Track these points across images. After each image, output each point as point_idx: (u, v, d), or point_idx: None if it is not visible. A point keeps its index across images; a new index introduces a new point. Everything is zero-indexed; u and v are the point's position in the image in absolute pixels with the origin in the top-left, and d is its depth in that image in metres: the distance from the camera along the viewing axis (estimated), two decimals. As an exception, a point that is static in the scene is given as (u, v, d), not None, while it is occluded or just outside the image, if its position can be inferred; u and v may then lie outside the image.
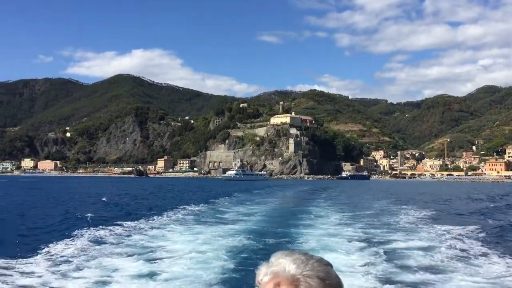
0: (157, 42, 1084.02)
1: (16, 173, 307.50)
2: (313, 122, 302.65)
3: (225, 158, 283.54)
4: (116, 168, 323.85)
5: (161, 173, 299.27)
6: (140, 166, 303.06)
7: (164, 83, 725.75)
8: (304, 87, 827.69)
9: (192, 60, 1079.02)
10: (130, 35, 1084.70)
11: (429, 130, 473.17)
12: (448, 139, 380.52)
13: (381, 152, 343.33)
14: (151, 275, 13.45)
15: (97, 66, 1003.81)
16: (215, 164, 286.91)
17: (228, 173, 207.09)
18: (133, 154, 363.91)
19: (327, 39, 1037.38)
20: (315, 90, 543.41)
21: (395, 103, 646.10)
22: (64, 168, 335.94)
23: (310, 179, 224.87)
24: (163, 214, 32.54)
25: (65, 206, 41.76)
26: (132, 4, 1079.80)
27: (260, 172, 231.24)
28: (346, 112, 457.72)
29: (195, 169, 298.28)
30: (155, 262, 15.35)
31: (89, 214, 30.68)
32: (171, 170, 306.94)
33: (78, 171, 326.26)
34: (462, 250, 18.08)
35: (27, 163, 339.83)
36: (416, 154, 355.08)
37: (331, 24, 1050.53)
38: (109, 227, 24.32)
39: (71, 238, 20.72)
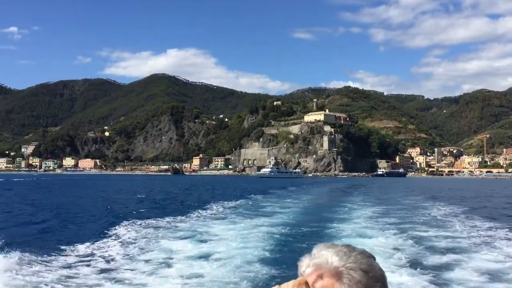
0: (191, 42, 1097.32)
1: (58, 171, 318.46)
2: (347, 119, 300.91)
3: (259, 156, 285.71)
4: (153, 166, 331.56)
5: (197, 171, 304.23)
6: (176, 164, 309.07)
7: (199, 82, 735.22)
8: (338, 84, 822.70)
9: (226, 59, 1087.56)
10: (165, 35, 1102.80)
11: (467, 126, 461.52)
12: (488, 135, 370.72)
13: (418, 149, 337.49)
14: (204, 256, 15.74)
15: (133, 66, 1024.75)
16: (250, 162, 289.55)
17: (263, 170, 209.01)
18: (169, 152, 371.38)
19: (362, 35, 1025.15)
20: (349, 86, 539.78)
21: (432, 98, 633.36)
22: (103, 166, 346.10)
23: (345, 176, 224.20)
24: (205, 208, 34.93)
25: (118, 201, 44.78)
26: (167, 4, 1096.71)
27: (294, 170, 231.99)
28: (381, 109, 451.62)
29: (229, 167, 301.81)
30: (204, 244, 17.97)
31: (141, 208, 33.27)
32: (206, 168, 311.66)
33: (117, 169, 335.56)
34: (488, 237, 19.16)
35: (68, 161, 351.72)
36: (454, 151, 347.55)
37: (365, 19, 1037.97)
38: (158, 218, 26.70)
39: (128, 227, 23.36)
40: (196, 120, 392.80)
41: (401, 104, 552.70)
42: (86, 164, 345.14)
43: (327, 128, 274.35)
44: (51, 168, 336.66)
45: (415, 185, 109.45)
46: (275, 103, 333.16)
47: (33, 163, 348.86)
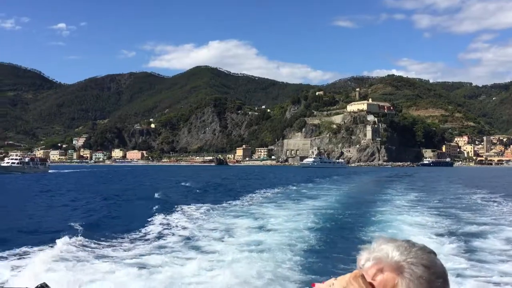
0: (232, 33, 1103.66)
1: (107, 162, 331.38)
2: (391, 108, 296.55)
3: (302, 146, 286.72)
4: (197, 157, 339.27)
5: (240, 161, 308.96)
6: (220, 155, 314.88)
7: (240, 73, 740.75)
8: (382, 72, 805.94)
9: (267, 49, 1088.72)
10: (207, 27, 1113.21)
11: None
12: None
13: (465, 138, 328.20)
14: (260, 227, 18.87)
15: (176, 59, 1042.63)
16: (292, 152, 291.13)
17: (306, 160, 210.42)
18: (213, 143, 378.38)
19: (405, 21, 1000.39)
20: (393, 75, 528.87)
21: (480, 85, 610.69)
22: (149, 157, 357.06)
23: (389, 166, 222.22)
24: (256, 193, 37.97)
25: (174, 187, 48.35)
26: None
27: (337, 160, 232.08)
28: (426, 97, 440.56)
29: (272, 157, 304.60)
30: (259, 221, 21.08)
31: (197, 190, 36.36)
32: (249, 158, 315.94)
33: (163, 160, 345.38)
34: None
35: (117, 153, 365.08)
36: (504, 140, 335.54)
37: (409, 5, 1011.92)
38: (214, 202, 29.59)
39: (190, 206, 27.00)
40: (239, 111, 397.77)
41: (448, 92, 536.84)
42: (134, 155, 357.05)
43: (371, 118, 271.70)
44: (100, 159, 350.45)
45: (462, 174, 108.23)
46: (317, 93, 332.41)
47: (84, 155, 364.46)
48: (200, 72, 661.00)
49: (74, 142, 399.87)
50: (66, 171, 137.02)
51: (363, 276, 1.58)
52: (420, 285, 1.53)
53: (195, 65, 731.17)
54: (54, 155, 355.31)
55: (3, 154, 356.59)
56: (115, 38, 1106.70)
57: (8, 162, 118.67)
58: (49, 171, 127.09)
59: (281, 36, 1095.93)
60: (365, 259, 1.64)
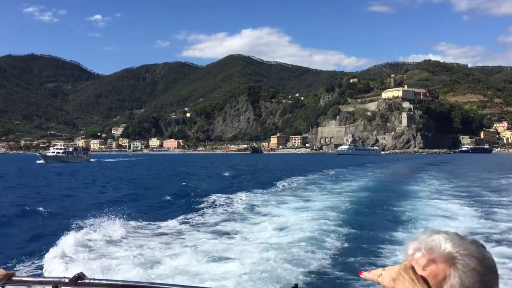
0: (265, 21, 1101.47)
1: (145, 151, 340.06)
2: (427, 94, 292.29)
3: (336, 134, 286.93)
4: (232, 146, 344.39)
5: (274, 149, 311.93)
6: (254, 143, 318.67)
7: (273, 61, 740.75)
8: (418, 57, 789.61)
9: (300, 37, 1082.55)
10: (239, 16, 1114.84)
11: None
12: None
13: (505, 124, 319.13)
14: (304, 208, 22.23)
15: (209, 48, 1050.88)
16: (327, 140, 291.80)
17: (341, 148, 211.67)
18: (247, 132, 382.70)
19: (443, 4, 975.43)
20: (429, 60, 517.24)
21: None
22: (186, 146, 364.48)
23: (425, 153, 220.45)
24: (303, 175, 43.11)
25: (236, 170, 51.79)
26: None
27: (372, 147, 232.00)
28: (464, 82, 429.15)
29: (307, 145, 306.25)
30: (307, 201, 25.04)
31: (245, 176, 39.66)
32: (283, 146, 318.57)
33: (199, 149, 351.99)
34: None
35: (154, 142, 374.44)
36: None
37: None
38: (265, 187, 33.15)
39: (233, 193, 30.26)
40: (273, 100, 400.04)
41: (487, 77, 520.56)
42: (170, 144, 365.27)
43: (406, 105, 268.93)
44: (138, 148, 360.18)
45: (501, 160, 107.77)
46: (351, 81, 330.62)
47: (123, 144, 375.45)
48: (233, 61, 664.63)
49: (113, 132, 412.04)
50: (108, 160, 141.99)
51: (413, 268, 1.56)
52: (472, 277, 1.52)
53: (228, 53, 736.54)
54: (94, 144, 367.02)
55: (46, 144, 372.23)
56: (149, 28, 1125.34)
57: (53, 152, 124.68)
58: (91, 160, 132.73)
59: (314, 23, 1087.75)
60: (415, 249, 1.62)
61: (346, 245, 14.29)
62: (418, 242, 1.64)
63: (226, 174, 55.13)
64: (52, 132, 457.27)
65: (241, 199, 26.13)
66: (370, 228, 17.32)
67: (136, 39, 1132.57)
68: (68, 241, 13.89)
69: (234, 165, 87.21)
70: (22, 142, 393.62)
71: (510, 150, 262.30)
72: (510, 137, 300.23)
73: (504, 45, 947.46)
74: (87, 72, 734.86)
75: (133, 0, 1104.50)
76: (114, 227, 16.41)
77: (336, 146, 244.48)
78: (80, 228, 16.09)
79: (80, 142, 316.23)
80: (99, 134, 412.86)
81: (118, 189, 37.85)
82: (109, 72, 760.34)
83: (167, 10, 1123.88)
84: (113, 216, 17.68)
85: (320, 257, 12.55)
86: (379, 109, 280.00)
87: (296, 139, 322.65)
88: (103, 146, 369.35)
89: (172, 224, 18.34)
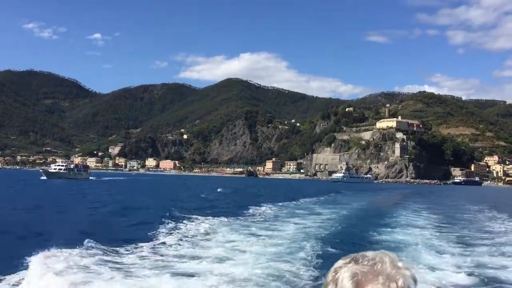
0: (263, 45, 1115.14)
1: (141, 171, 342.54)
2: (420, 126, 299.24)
3: (331, 161, 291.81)
4: (228, 169, 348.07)
5: (270, 174, 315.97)
6: (250, 167, 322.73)
7: (270, 86, 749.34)
8: (413, 88, 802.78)
9: (297, 62, 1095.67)
10: (238, 39, 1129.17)
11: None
12: None
13: (495, 158, 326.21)
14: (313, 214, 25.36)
15: (207, 70, 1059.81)
16: (321, 166, 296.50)
17: (335, 175, 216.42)
18: (243, 155, 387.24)
19: (439, 37, 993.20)
20: (424, 91, 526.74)
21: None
22: (182, 167, 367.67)
23: (415, 183, 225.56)
24: (304, 199, 46.40)
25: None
26: (239, 9, 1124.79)
27: (365, 175, 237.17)
28: (457, 115, 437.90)
29: (301, 171, 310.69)
30: (309, 214, 27.82)
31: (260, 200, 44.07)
32: (278, 171, 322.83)
33: (194, 171, 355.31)
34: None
35: (150, 162, 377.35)
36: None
37: (443, 21, 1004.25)
38: (256, 207, 37.20)
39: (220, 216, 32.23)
40: (269, 125, 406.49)
41: (481, 110, 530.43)
42: (167, 165, 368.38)
43: (399, 135, 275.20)
44: (135, 168, 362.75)
45: (486, 193, 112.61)
46: (347, 109, 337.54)
47: (119, 163, 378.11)
48: (230, 84, 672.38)
49: (110, 150, 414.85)
50: (107, 178, 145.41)
51: None
52: None
53: (226, 76, 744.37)
54: (91, 162, 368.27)
55: (43, 160, 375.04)
56: (147, 49, 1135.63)
57: (55, 169, 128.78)
58: (91, 178, 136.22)
59: (311, 50, 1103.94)
60: None
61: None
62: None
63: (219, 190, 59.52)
64: (48, 148, 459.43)
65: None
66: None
67: (135, 59, 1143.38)
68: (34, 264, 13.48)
69: (233, 187, 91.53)
70: (18, 157, 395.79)
71: (499, 184, 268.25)
72: (500, 171, 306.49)
73: (499, 80, 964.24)
74: (85, 90, 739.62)
75: (133, 20, 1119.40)
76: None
77: (330, 173, 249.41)
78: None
79: (77, 160, 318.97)
80: (95, 152, 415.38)
81: (98, 208, 37.84)
82: (107, 90, 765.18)
83: (166, 31, 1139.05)
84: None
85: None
86: (373, 138, 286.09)
87: (291, 164, 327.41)
88: (100, 165, 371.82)
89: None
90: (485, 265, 16.04)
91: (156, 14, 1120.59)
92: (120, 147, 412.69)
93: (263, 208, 37.32)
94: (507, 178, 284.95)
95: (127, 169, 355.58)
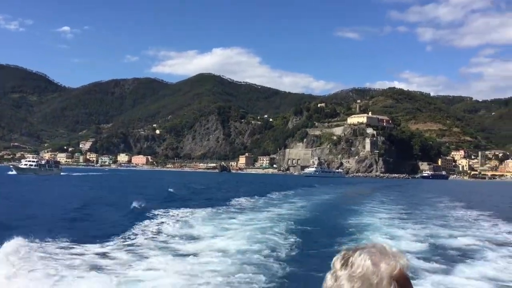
0: (236, 41, 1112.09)
1: (113, 166, 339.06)
2: (390, 122, 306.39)
3: (303, 156, 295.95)
4: (201, 164, 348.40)
5: (243, 169, 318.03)
6: (223, 162, 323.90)
7: (243, 82, 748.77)
8: (383, 84, 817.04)
9: (269, 58, 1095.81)
10: (211, 34, 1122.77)
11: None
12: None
13: (461, 152, 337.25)
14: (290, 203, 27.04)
15: (179, 65, 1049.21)
16: (294, 161, 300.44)
17: (308, 170, 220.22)
18: (216, 150, 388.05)
19: (409, 34, 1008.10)
20: (394, 88, 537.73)
21: (480, 100, 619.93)
22: (154, 162, 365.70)
23: (385, 177, 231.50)
24: (287, 191, 49.20)
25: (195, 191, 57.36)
26: (211, 3, 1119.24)
27: (337, 170, 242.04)
28: (426, 111, 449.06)
29: (274, 166, 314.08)
30: (289, 203, 29.50)
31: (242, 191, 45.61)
32: (251, 166, 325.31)
33: (167, 166, 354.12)
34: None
35: (122, 157, 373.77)
36: (500, 155, 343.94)
37: (413, 18, 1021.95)
38: (230, 200, 38.82)
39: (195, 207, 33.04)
40: (242, 120, 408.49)
41: (448, 106, 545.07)
42: (139, 160, 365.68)
43: (370, 131, 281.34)
44: (106, 163, 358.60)
45: (450, 186, 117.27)
46: (319, 105, 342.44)
47: (91, 158, 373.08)
48: (203, 79, 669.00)
49: (80, 146, 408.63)
50: (79, 174, 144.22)
51: None
52: None
53: (198, 71, 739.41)
54: (61, 157, 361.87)
55: (11, 156, 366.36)
56: (118, 43, 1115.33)
57: (26, 164, 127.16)
58: (62, 173, 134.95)
59: (284, 46, 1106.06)
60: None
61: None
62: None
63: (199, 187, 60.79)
64: (16, 143, 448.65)
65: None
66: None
67: (105, 53, 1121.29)
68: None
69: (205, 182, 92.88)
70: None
71: (465, 177, 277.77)
72: (466, 165, 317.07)
73: (465, 76, 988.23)
74: (54, 84, 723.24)
75: (103, 13, 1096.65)
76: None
77: (303, 168, 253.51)
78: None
79: (47, 155, 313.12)
80: (65, 147, 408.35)
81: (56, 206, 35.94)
82: (76, 85, 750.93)
83: (138, 25, 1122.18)
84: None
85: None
86: (344, 133, 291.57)
87: (264, 159, 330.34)
88: (70, 160, 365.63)
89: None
90: (437, 236, 20.80)
91: (127, 8, 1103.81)
92: (91, 143, 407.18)
93: (240, 200, 38.88)
94: (472, 172, 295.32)
95: (98, 164, 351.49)
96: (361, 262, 1.71)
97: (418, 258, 15.35)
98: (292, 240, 18.84)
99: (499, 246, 18.49)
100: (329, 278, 1.79)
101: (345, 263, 1.77)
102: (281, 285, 12.23)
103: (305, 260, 15.34)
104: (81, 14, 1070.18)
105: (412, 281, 1.55)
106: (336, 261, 1.81)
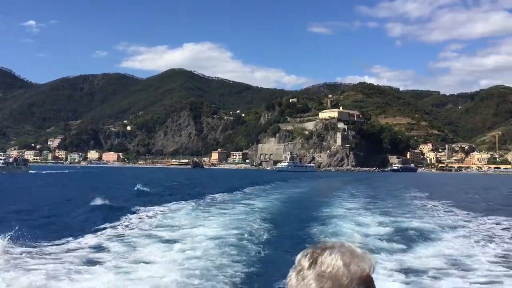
0: (207, 35, 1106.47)
1: (83, 163, 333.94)
2: (360, 116, 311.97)
3: (276, 151, 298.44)
4: (173, 160, 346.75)
5: (215, 164, 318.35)
6: (195, 158, 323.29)
7: (215, 77, 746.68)
8: (354, 79, 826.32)
9: (241, 53, 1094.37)
10: (181, 29, 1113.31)
11: (482, 123, 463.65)
12: (500, 132, 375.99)
13: (429, 145, 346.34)
14: (268, 195, 28.14)
15: (150, 60, 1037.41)
16: (266, 156, 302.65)
17: (280, 165, 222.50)
18: (189, 146, 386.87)
19: (378, 29, 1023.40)
20: (364, 83, 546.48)
21: (448, 94, 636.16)
22: (125, 159, 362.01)
23: (356, 171, 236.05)
24: (260, 185, 49.78)
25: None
26: None
27: (309, 164, 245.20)
28: (395, 105, 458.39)
29: (247, 161, 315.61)
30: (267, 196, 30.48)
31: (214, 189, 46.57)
32: (224, 162, 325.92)
33: (139, 163, 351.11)
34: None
35: (92, 154, 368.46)
36: (466, 147, 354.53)
37: (382, 13, 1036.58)
38: (209, 195, 39.40)
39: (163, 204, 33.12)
40: (214, 116, 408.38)
41: (416, 100, 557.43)
42: (110, 157, 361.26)
43: (341, 125, 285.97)
44: (76, 160, 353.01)
45: (417, 179, 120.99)
46: (290, 100, 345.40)
47: (59, 156, 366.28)
48: (174, 75, 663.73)
49: (49, 143, 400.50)
50: (48, 171, 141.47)
51: None
52: None
53: (169, 66, 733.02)
54: (29, 155, 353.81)
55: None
56: (86, 38, 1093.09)
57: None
58: (30, 171, 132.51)
59: (256, 40, 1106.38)
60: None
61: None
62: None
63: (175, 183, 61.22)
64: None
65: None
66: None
67: (73, 48, 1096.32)
68: None
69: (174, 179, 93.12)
70: None
71: (432, 170, 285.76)
72: (433, 158, 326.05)
73: (433, 71, 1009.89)
74: (20, 80, 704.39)
75: (70, 7, 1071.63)
76: None
77: (275, 162, 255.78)
78: None
79: (14, 153, 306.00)
80: (33, 145, 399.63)
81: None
82: (43, 80, 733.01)
83: (106, 19, 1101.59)
84: None
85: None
86: (316, 128, 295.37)
87: (237, 155, 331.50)
88: (38, 158, 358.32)
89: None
90: (399, 222, 22.90)
91: (95, 2, 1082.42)
92: (60, 140, 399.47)
93: (215, 196, 39.69)
94: (440, 165, 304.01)
95: (67, 162, 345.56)
96: (332, 261, 1.66)
97: (381, 240, 17.21)
98: (267, 226, 20.34)
99: (453, 229, 20.69)
100: (293, 277, 1.70)
101: (313, 262, 1.68)
102: (257, 262, 13.53)
103: (279, 243, 16.83)
104: (47, 7, 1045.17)
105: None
106: (303, 259, 1.71)
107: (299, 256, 1.72)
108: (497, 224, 22.72)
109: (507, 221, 23.61)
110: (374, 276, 1.48)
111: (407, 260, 13.76)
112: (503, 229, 21.02)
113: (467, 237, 18.37)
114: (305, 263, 1.68)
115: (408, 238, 17.71)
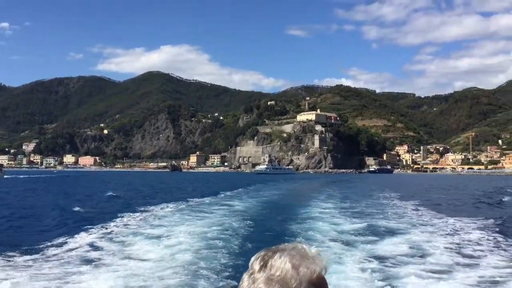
0: (184, 38, 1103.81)
1: (59, 168, 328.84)
2: (338, 118, 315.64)
3: (254, 154, 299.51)
4: (151, 164, 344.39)
5: (194, 168, 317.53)
6: (174, 161, 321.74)
7: (192, 79, 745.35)
8: (332, 81, 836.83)
9: (219, 55, 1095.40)
10: (158, 31, 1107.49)
11: (456, 124, 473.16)
12: (474, 134, 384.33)
13: (405, 147, 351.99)
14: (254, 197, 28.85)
15: (126, 62, 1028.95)
16: (245, 159, 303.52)
17: (259, 167, 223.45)
18: (167, 150, 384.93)
19: (355, 32, 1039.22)
20: (341, 85, 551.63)
21: (423, 96, 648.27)
22: (102, 163, 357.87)
23: (334, 173, 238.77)
24: (240, 188, 50.56)
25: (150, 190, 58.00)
26: (158, 0, 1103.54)
27: (287, 167, 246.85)
28: (372, 107, 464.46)
29: (225, 164, 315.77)
30: (245, 199, 31.15)
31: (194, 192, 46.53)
32: (203, 165, 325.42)
33: (116, 166, 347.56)
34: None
35: (68, 158, 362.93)
36: (440, 149, 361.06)
37: (358, 16, 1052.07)
38: (195, 198, 39.84)
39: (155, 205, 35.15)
40: (193, 119, 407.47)
41: (393, 102, 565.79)
42: (86, 161, 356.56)
43: (318, 127, 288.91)
44: (51, 165, 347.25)
45: (392, 180, 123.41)
46: (269, 103, 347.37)
47: (35, 160, 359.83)
48: (151, 77, 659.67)
49: (23, 147, 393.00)
50: (24, 176, 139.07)
51: None
52: None
53: (146, 69, 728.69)
54: (3, 160, 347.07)
55: None
56: (61, 40, 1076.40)
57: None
58: (5, 176, 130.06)
59: (233, 43, 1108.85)
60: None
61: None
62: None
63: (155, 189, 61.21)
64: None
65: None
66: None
67: (48, 50, 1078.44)
68: None
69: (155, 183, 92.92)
70: None
71: (408, 171, 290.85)
72: (409, 159, 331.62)
73: (408, 73, 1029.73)
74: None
75: (44, 9, 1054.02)
76: None
77: (254, 165, 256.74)
78: None
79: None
80: (7, 149, 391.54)
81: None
82: (17, 84, 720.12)
83: (81, 21, 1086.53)
84: None
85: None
86: (294, 131, 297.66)
87: (216, 158, 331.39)
88: (13, 162, 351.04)
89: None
90: (372, 219, 24.69)
91: (69, 3, 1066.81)
92: (34, 144, 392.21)
93: (194, 200, 39.92)
94: (415, 166, 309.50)
95: (43, 166, 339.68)
96: (281, 265, 1.65)
97: (355, 235, 18.76)
98: (247, 225, 21.48)
99: (422, 226, 22.35)
100: (245, 279, 1.71)
101: (264, 265, 1.69)
102: (240, 256, 14.45)
103: (258, 239, 17.66)
104: (20, 9, 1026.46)
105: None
106: (255, 262, 1.72)
107: (252, 258, 1.72)
108: (458, 221, 24.45)
109: (467, 218, 25.68)
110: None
111: (378, 249, 15.61)
112: (460, 226, 22.81)
113: (429, 232, 20.17)
114: (256, 266, 1.69)
115: (379, 232, 19.44)
